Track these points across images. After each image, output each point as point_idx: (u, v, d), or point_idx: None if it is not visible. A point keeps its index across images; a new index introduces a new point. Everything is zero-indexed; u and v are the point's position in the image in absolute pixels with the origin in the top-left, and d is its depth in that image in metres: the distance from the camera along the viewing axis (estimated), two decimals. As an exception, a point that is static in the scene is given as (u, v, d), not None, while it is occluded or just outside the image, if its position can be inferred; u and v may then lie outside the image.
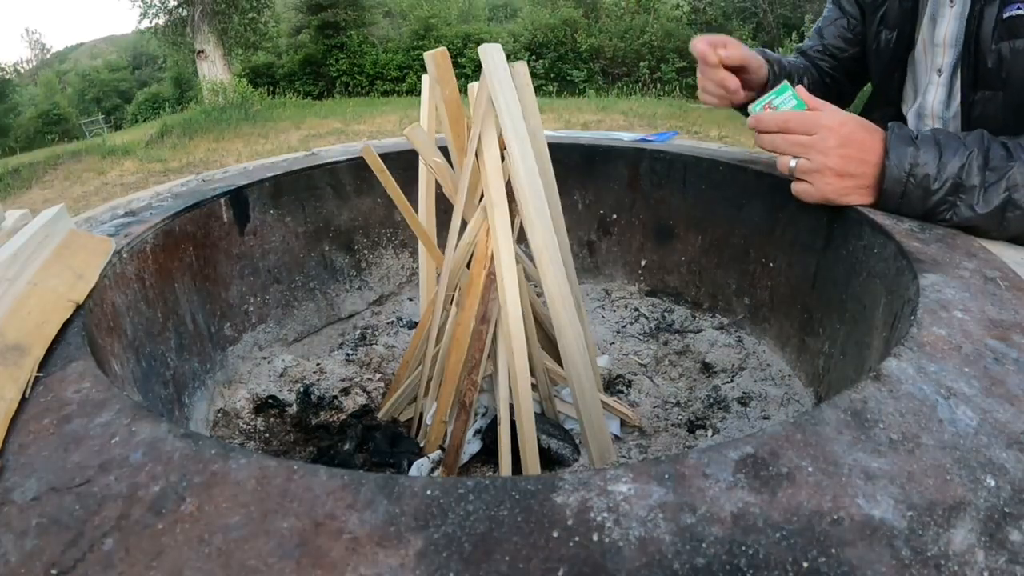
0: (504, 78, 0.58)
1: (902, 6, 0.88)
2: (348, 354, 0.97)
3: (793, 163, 0.71)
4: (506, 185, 0.61)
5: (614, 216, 1.13)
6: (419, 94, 0.79)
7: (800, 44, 1.13)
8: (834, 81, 1.06)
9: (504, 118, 0.57)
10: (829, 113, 0.69)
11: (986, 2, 0.73)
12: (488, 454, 0.70)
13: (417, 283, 1.13)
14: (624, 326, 1.03)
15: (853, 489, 0.32)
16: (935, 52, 0.85)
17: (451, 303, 0.70)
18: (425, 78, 0.71)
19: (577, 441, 0.72)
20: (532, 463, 0.63)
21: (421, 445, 0.72)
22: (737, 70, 0.89)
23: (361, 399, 0.83)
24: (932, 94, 0.86)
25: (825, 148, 0.67)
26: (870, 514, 0.30)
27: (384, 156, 0.66)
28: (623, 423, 0.77)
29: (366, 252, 1.11)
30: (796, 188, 0.73)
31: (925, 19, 0.86)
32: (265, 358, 0.93)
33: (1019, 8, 0.70)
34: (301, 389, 0.85)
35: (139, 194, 0.91)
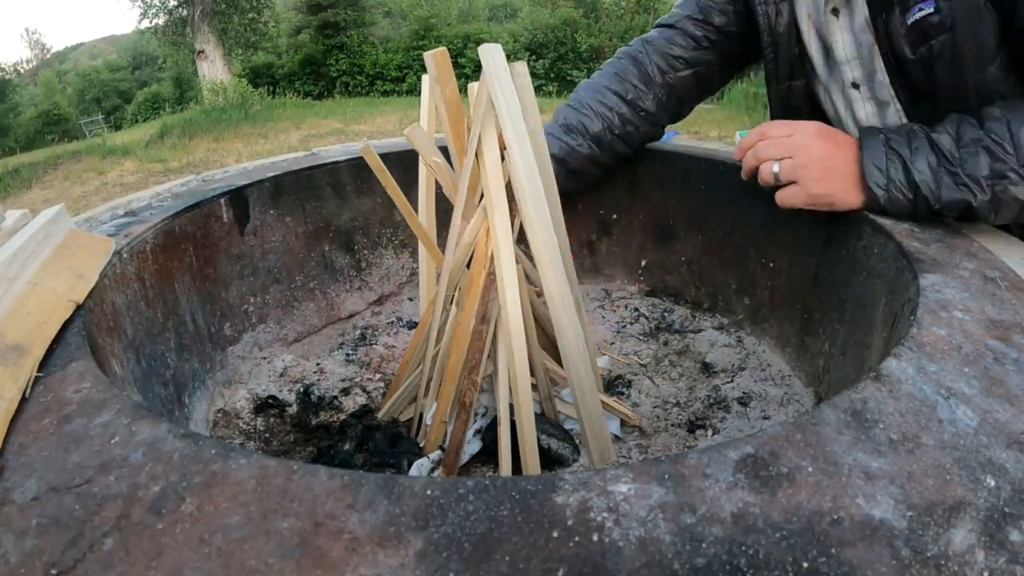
0: (504, 78, 0.57)
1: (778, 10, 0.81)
2: (348, 354, 0.97)
3: (776, 167, 0.69)
4: (506, 185, 0.61)
5: (614, 216, 1.13)
6: (419, 94, 0.79)
7: (663, 19, 0.97)
8: (711, 62, 0.94)
9: (504, 118, 0.57)
10: (799, 120, 0.71)
11: (885, 13, 0.67)
12: (488, 454, 0.70)
13: (417, 283, 1.13)
14: (624, 326, 1.03)
15: (853, 489, 0.32)
16: (840, 70, 0.78)
17: (451, 303, 0.70)
18: (425, 78, 0.71)
19: (577, 441, 0.72)
20: (532, 463, 0.63)
21: (421, 445, 0.72)
22: None
23: (361, 399, 0.83)
24: (862, 109, 0.79)
25: (807, 142, 0.67)
26: (870, 514, 0.30)
27: (384, 156, 0.66)
28: (623, 423, 0.77)
29: (366, 252, 1.11)
30: (781, 195, 0.70)
31: (810, 35, 0.79)
32: (265, 358, 0.93)
33: (920, 9, 0.65)
34: (301, 389, 0.85)
35: (139, 194, 0.91)
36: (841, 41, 0.76)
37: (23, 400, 0.41)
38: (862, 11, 0.71)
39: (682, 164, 1.02)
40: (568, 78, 11.25)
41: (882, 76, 0.73)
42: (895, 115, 0.75)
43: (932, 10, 0.64)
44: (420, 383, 0.75)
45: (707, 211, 1.00)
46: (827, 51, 0.79)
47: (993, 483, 0.32)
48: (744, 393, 0.82)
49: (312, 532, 0.30)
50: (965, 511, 0.31)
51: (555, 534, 0.29)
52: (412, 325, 1.05)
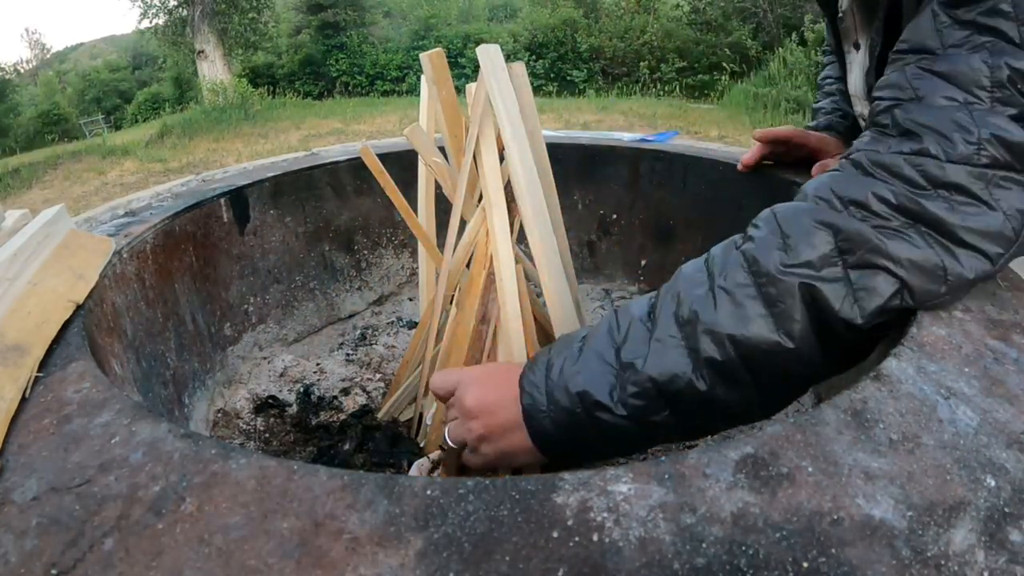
0: (502, 78, 0.57)
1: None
2: (348, 354, 0.97)
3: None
4: (505, 186, 0.61)
5: (614, 216, 1.13)
6: (419, 94, 0.79)
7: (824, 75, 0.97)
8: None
9: (502, 119, 0.57)
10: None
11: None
12: (488, 454, 0.70)
13: (417, 283, 1.13)
14: (624, 326, 1.03)
15: (853, 489, 0.32)
16: (853, 102, 0.77)
17: (451, 303, 0.70)
18: (424, 78, 0.71)
19: (577, 441, 0.71)
20: (532, 463, 0.63)
21: (421, 445, 0.72)
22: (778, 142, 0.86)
23: (361, 399, 0.83)
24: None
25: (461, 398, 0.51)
26: (870, 514, 0.30)
27: (384, 156, 0.66)
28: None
29: (366, 252, 1.11)
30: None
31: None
32: (265, 358, 0.93)
33: None
34: (301, 389, 0.85)
35: (139, 194, 0.91)
36: (852, 76, 0.73)
37: (23, 400, 0.41)
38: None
39: (682, 164, 1.02)
40: (568, 78, 11.24)
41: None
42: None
43: None
44: (420, 383, 0.75)
45: (707, 211, 1.00)
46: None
47: (993, 483, 0.32)
48: (744, 393, 0.82)
49: (312, 532, 0.30)
50: (965, 511, 0.31)
51: (555, 534, 0.29)
52: (412, 325, 1.05)
